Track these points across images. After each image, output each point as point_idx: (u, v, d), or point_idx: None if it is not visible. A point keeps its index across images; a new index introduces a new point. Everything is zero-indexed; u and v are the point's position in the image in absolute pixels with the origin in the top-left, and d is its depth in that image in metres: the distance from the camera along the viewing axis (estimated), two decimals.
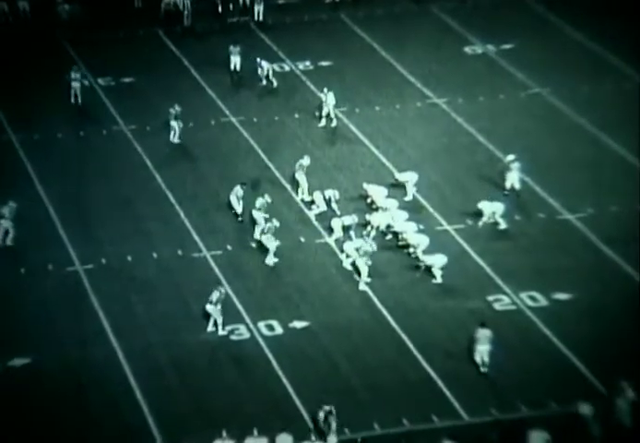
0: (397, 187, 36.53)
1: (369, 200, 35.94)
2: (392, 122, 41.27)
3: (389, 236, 34.54)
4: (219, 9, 47.66)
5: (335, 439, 27.37)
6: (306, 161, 36.57)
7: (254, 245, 34.57)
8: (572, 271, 33.30)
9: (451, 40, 46.48)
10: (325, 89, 40.81)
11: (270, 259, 33.50)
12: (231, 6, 47.77)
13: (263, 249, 33.80)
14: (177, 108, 39.58)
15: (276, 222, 33.50)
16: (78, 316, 31.82)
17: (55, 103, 42.17)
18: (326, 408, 27.49)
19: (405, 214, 35.04)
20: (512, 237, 34.96)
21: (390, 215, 34.90)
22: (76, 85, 41.51)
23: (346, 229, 34.57)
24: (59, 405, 28.85)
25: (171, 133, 39.66)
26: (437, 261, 32.90)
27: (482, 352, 29.53)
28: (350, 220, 34.60)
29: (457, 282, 32.95)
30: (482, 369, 29.56)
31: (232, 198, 35.54)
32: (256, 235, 34.53)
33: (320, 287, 32.94)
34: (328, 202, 35.82)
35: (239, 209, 35.41)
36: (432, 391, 29.18)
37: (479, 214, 35.32)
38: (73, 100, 41.57)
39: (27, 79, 43.05)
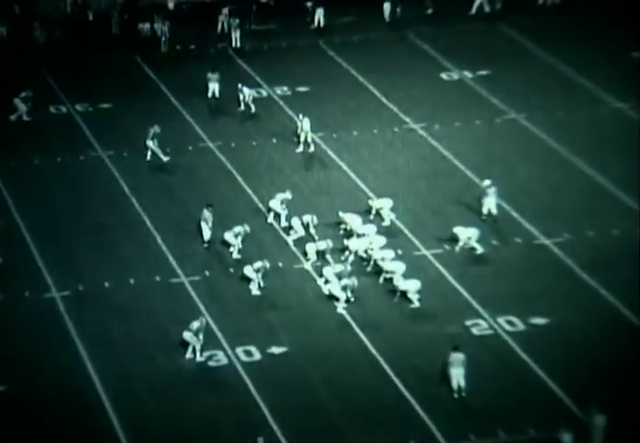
0: (370, 213, 36.63)
1: (343, 227, 35.97)
2: (369, 147, 41.42)
3: (366, 262, 34.58)
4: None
5: None
6: (288, 195, 36.61)
7: (232, 270, 34.56)
8: (549, 296, 33.39)
9: (427, 66, 46.76)
10: (301, 115, 40.97)
11: (255, 290, 33.46)
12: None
13: (244, 278, 33.74)
14: (156, 128, 39.66)
15: (267, 263, 33.45)
16: (55, 342, 31.66)
17: (31, 129, 42.14)
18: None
19: (383, 239, 35.11)
20: (489, 262, 35.07)
21: (368, 240, 34.97)
22: (17, 102, 41.93)
23: (320, 254, 34.61)
24: (35, 433, 28.64)
25: (148, 152, 39.74)
26: (411, 286, 32.97)
27: (457, 375, 29.56)
28: (325, 245, 34.65)
29: (435, 307, 32.99)
30: (456, 395, 29.56)
31: (203, 224, 35.49)
32: (235, 255, 34.61)
33: (298, 312, 32.91)
34: (306, 227, 35.87)
35: (207, 234, 35.38)
36: (410, 417, 29.15)
37: (455, 239, 35.43)
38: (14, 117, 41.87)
39: (2, 105, 42.95)
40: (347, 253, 34.73)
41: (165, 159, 39.90)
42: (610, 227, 36.47)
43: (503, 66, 46.26)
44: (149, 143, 39.70)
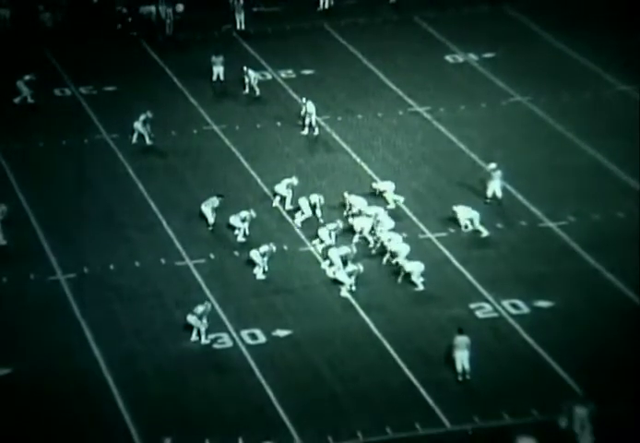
0: (375, 196, 36.63)
1: (348, 209, 35.98)
2: (374, 130, 41.38)
3: (371, 243, 34.59)
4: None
5: None
6: (295, 180, 36.56)
7: (236, 253, 34.60)
8: (553, 279, 33.41)
9: (432, 48, 46.66)
10: (304, 99, 40.92)
11: (260, 274, 33.49)
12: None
13: (250, 262, 33.77)
14: (148, 113, 39.57)
15: (273, 246, 33.49)
16: (60, 325, 31.75)
17: (36, 112, 42.12)
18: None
19: (392, 222, 35.02)
20: (494, 245, 35.08)
21: (372, 220, 34.93)
22: (21, 85, 41.79)
23: (330, 235, 34.62)
24: (40, 415, 28.75)
25: (134, 135, 39.54)
26: (415, 268, 32.98)
27: (462, 358, 29.61)
28: (334, 226, 34.68)
29: (439, 290, 33.02)
30: (460, 378, 29.61)
31: (206, 209, 35.44)
32: (239, 239, 34.65)
33: (303, 295, 32.96)
34: (314, 208, 35.86)
35: (211, 219, 35.39)
36: (414, 399, 29.23)
37: (455, 219, 35.37)
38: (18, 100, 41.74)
39: (7, 88, 42.93)
40: (352, 233, 34.73)
41: (149, 142, 39.73)
42: (614, 210, 36.46)
43: (508, 49, 46.15)
44: (137, 125, 39.62)
